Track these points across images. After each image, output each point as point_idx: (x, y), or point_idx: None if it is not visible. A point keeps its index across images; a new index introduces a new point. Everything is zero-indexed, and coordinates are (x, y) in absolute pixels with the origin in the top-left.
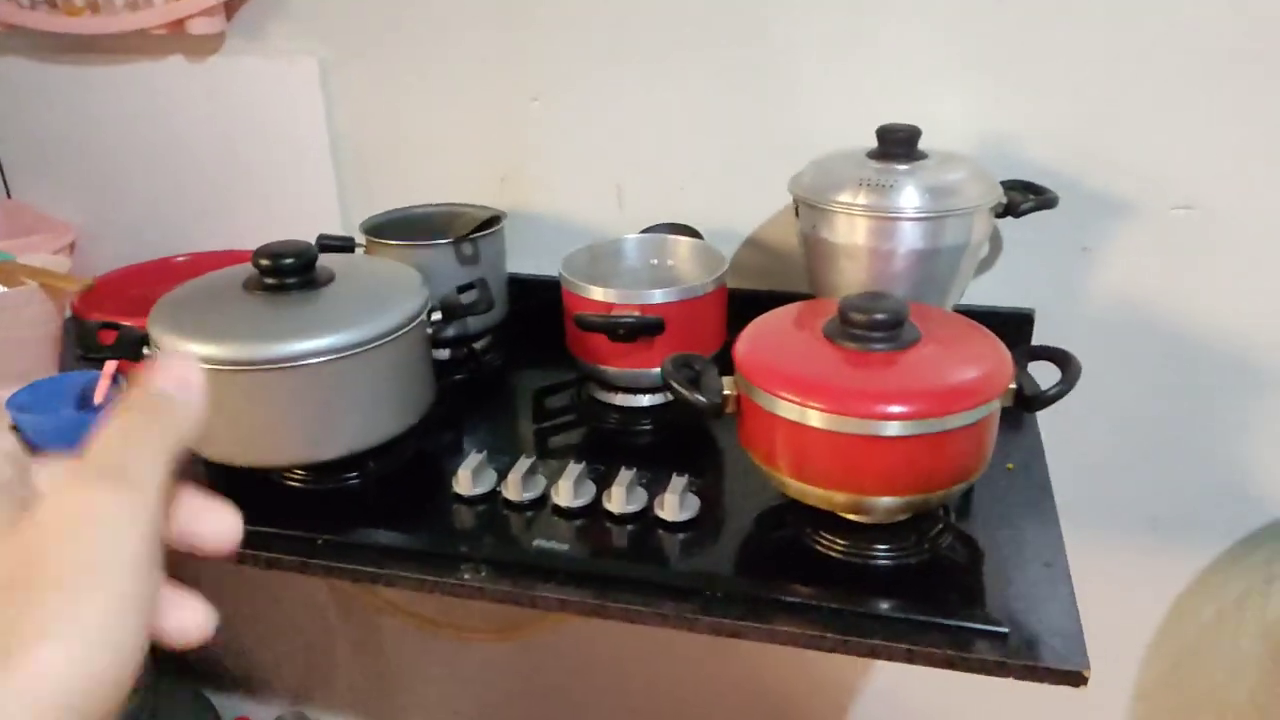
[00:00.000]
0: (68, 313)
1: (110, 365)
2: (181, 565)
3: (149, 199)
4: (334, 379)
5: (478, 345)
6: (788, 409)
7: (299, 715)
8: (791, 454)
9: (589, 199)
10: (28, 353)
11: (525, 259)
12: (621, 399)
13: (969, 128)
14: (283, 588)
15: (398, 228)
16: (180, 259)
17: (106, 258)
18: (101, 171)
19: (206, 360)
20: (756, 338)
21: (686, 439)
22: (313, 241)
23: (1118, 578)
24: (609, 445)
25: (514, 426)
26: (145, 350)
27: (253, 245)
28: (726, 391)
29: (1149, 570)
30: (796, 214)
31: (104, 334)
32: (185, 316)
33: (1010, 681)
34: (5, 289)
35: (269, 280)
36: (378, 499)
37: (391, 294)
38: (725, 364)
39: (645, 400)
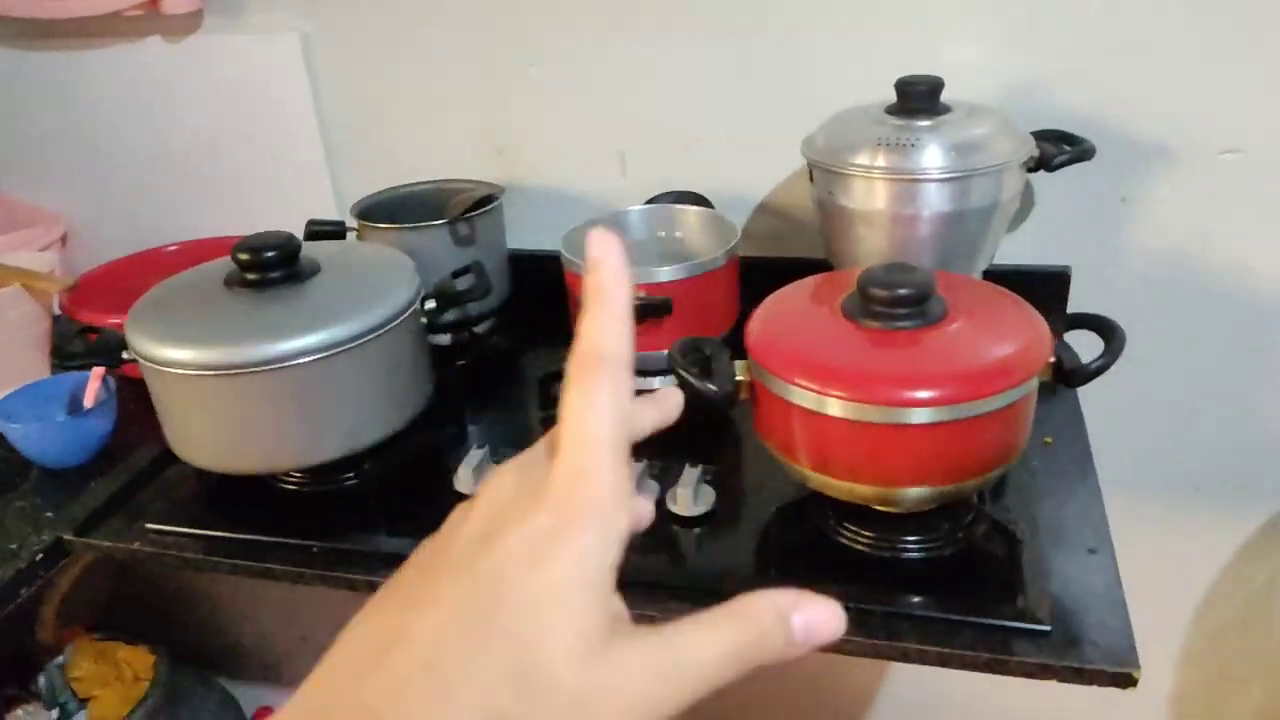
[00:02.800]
0: (57, 311)
1: (99, 367)
2: (215, 580)
3: (139, 187)
4: (324, 378)
5: (479, 329)
6: (804, 397)
7: None
8: (810, 445)
9: (592, 168)
10: (15, 356)
11: (528, 234)
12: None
13: (995, 76)
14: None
15: (391, 209)
16: (171, 249)
17: (100, 248)
18: (89, 161)
19: (190, 365)
20: (770, 318)
21: (702, 426)
22: (304, 227)
23: (1162, 546)
24: None
25: (520, 415)
26: (124, 354)
27: (246, 230)
28: (739, 378)
29: (1196, 537)
30: (811, 178)
31: (90, 337)
32: (165, 319)
33: None
34: None
35: (250, 275)
36: (376, 500)
37: (381, 284)
38: (739, 343)
39: (656, 383)
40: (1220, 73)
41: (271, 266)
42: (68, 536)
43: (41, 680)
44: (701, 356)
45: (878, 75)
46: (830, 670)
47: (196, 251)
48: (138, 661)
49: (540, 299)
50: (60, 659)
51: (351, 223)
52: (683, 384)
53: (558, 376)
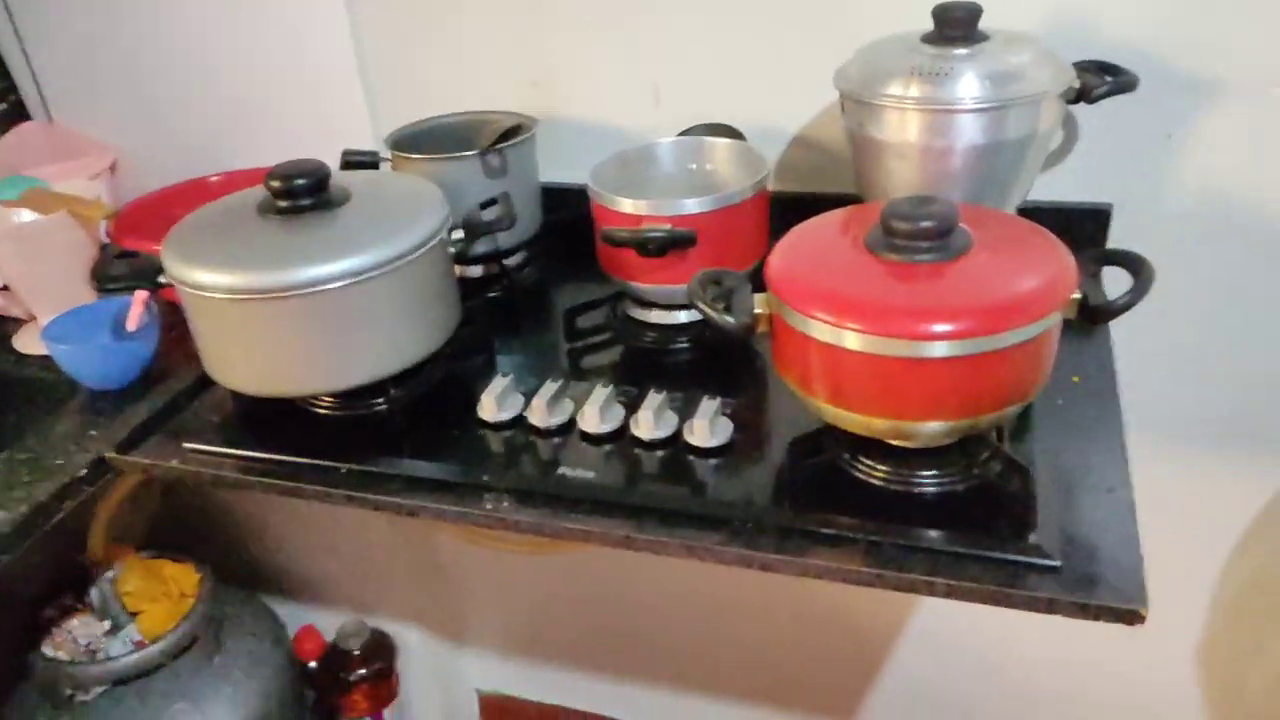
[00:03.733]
0: (104, 240)
1: (142, 292)
2: (260, 503)
3: (185, 117)
4: (353, 304)
5: (510, 261)
6: (822, 330)
7: (360, 623)
8: (827, 378)
9: (625, 101)
10: (63, 281)
11: (560, 168)
12: (656, 316)
13: (1037, 4)
14: None
15: (426, 139)
16: (214, 179)
17: (148, 177)
18: (139, 92)
19: (221, 289)
20: (791, 251)
21: (724, 359)
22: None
23: (1190, 493)
24: (644, 364)
25: (548, 346)
26: (161, 279)
27: (284, 159)
28: (758, 310)
29: (1224, 484)
30: (843, 110)
31: (129, 262)
32: (198, 244)
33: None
34: (37, 216)
35: (282, 203)
36: (404, 425)
37: (409, 213)
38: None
39: (682, 317)
40: (1271, 4)
41: (302, 194)
42: (109, 454)
43: (94, 594)
44: (723, 290)
45: (915, 5)
46: (847, 606)
47: (239, 181)
48: (184, 578)
49: (571, 232)
50: (111, 574)
51: (386, 153)
52: (702, 314)
53: (583, 308)
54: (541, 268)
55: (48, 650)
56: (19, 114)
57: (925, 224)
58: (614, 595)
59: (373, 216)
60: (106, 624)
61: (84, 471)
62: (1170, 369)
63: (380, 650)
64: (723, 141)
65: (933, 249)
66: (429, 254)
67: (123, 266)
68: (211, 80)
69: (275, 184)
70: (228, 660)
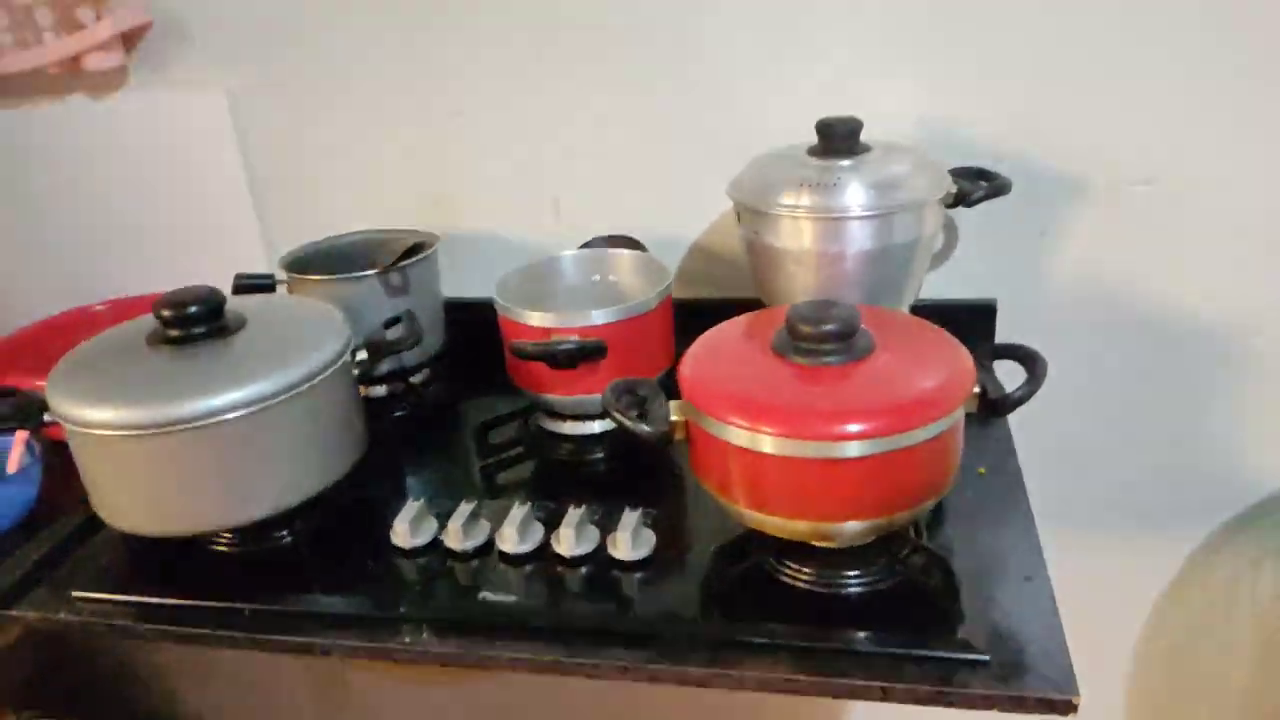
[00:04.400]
0: None
1: (23, 431)
2: (156, 648)
3: (66, 244)
4: (252, 434)
5: (415, 379)
6: (738, 435)
7: None
8: (746, 482)
9: (525, 214)
10: None
11: (464, 282)
12: (570, 427)
13: (911, 115)
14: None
15: (323, 260)
16: (99, 307)
17: (27, 309)
18: (14, 219)
19: (108, 425)
20: (701, 357)
21: (643, 467)
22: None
23: (1102, 573)
24: (561, 478)
25: (460, 465)
26: (45, 417)
27: (176, 286)
28: (674, 418)
29: (1133, 562)
30: (739, 219)
31: (9, 399)
32: (84, 379)
33: None
34: None
35: (173, 332)
36: (312, 558)
37: (309, 336)
38: (675, 384)
39: (596, 427)
40: (1129, 106)
41: (195, 322)
42: None
43: None
44: (637, 398)
45: (798, 119)
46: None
47: (125, 309)
48: None
49: (477, 347)
50: None
51: (281, 275)
52: (617, 425)
53: (495, 423)
54: (448, 384)
55: None
56: None
57: (829, 327)
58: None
59: (271, 342)
60: None
61: None
62: (1064, 456)
63: None
64: (625, 253)
65: (838, 351)
66: (332, 378)
67: (5, 405)
68: (93, 206)
69: (166, 313)
70: None
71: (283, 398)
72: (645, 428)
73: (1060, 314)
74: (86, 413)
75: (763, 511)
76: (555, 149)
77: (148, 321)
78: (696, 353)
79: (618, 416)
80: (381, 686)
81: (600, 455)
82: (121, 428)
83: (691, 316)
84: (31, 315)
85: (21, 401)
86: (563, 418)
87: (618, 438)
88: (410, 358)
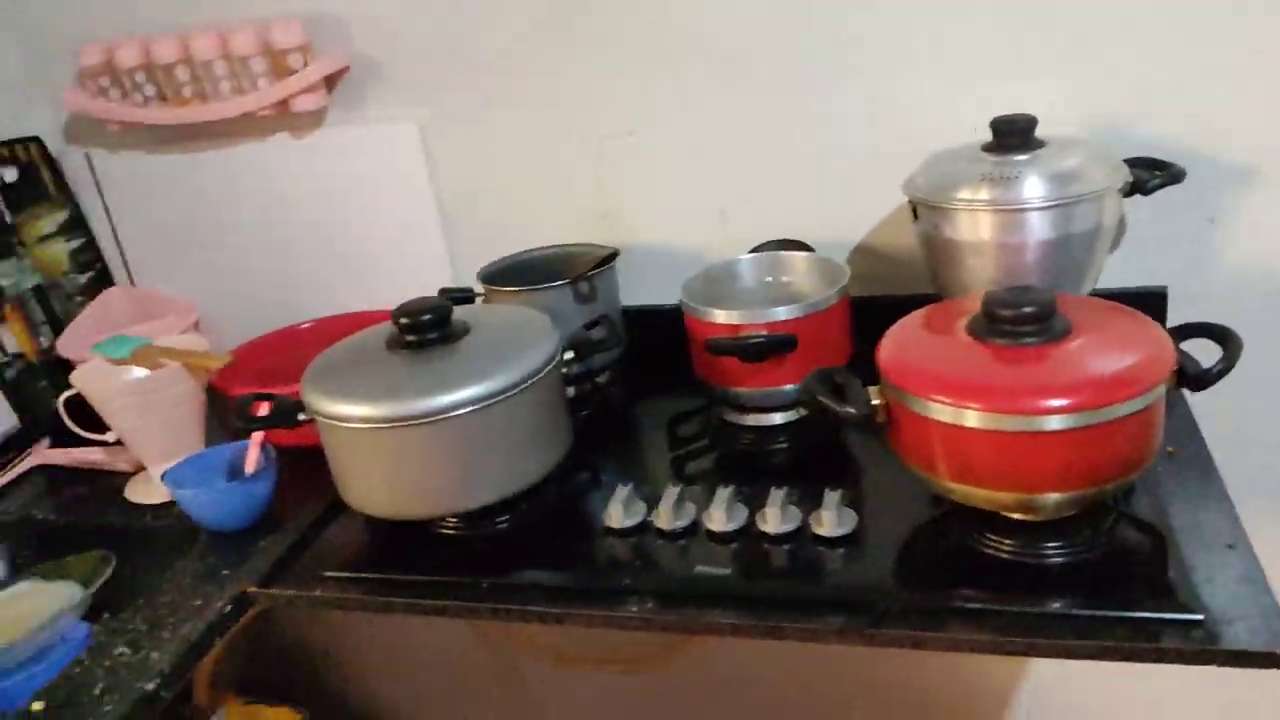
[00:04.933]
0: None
1: (258, 434)
2: (326, 617)
3: (266, 272)
4: (479, 428)
5: (600, 380)
6: (942, 411)
7: None
8: (951, 457)
9: (692, 225)
10: (173, 431)
11: (633, 291)
12: (753, 419)
13: (1080, 113)
14: (425, 629)
15: (512, 274)
16: (305, 325)
17: (229, 333)
18: (218, 251)
19: (359, 420)
20: (899, 343)
21: (825, 455)
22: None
23: None
24: (746, 467)
25: (646, 457)
26: (300, 417)
27: (369, 306)
28: (874, 401)
29: None
30: (915, 216)
31: (256, 405)
32: (336, 380)
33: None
34: (149, 372)
35: (409, 338)
36: (531, 540)
37: (526, 339)
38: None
39: (778, 419)
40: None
41: (428, 329)
42: (251, 588)
43: None
44: (835, 385)
45: (961, 120)
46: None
47: (330, 327)
48: None
49: (652, 351)
50: (217, 716)
51: (478, 288)
52: (823, 410)
53: (681, 418)
54: (627, 385)
55: None
56: (104, 280)
57: (1028, 309)
58: (700, 715)
59: (493, 345)
60: None
61: (229, 608)
62: (1244, 436)
63: None
64: (798, 255)
65: (1037, 332)
66: (546, 377)
67: (257, 409)
68: (290, 233)
69: (404, 320)
70: None
71: (506, 395)
72: (850, 410)
73: (1229, 300)
74: (340, 408)
75: (968, 484)
76: (720, 162)
77: (384, 330)
78: (892, 340)
79: (824, 400)
80: (550, 675)
81: (783, 445)
82: (369, 422)
83: (861, 315)
84: (241, 336)
85: (281, 404)
86: (745, 410)
87: (799, 428)
88: (600, 359)
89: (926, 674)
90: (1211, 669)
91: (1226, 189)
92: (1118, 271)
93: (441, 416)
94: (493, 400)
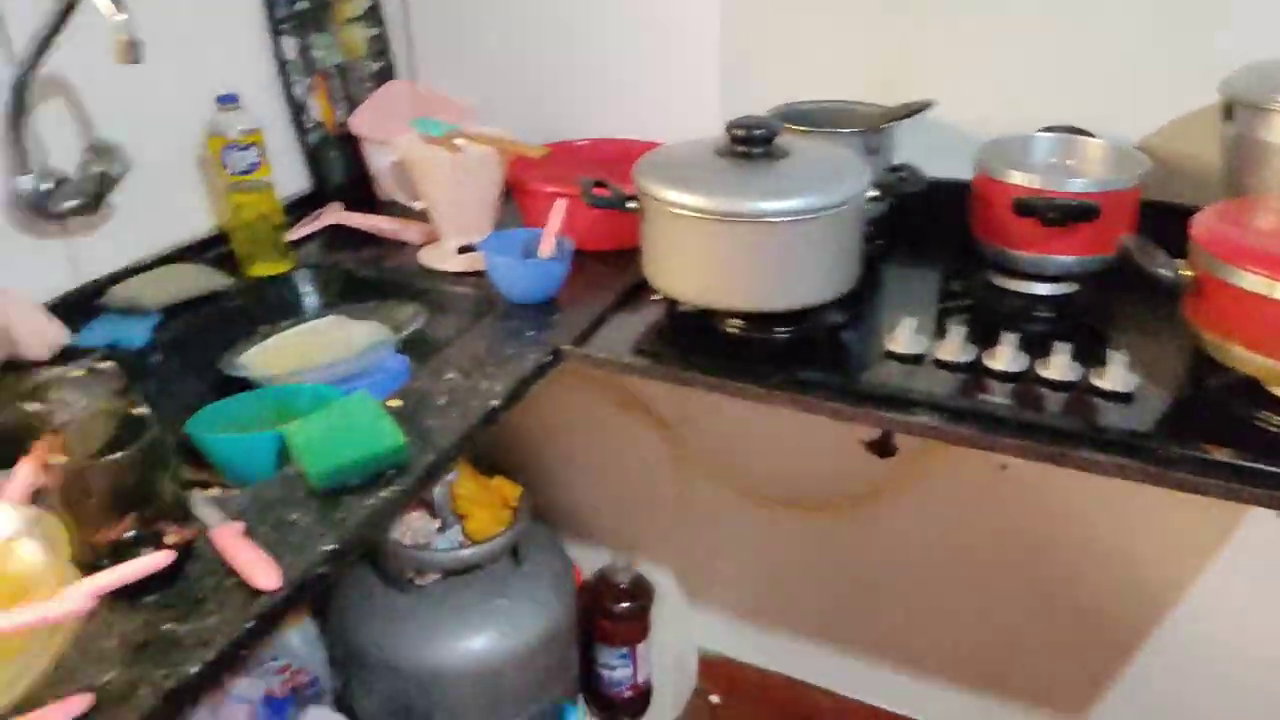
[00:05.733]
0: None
1: (554, 224)
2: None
3: (539, 87)
4: (796, 237)
5: (879, 241)
6: (1255, 283)
7: (629, 560)
8: (1257, 328)
9: (974, 102)
10: (477, 209)
11: (905, 157)
12: (1018, 285)
13: None
14: (631, 444)
15: (799, 120)
16: (581, 142)
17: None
18: (497, 56)
19: (689, 209)
20: (1217, 218)
21: (1085, 327)
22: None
23: None
24: (1014, 326)
25: (919, 306)
26: (630, 204)
27: (634, 134)
28: (1184, 272)
29: None
30: (1229, 117)
31: (597, 190)
32: (670, 173)
33: None
34: (476, 148)
35: (740, 148)
36: (811, 352)
37: (841, 169)
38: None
39: (1043, 289)
40: None
41: (758, 142)
42: (566, 346)
43: (436, 492)
44: (1146, 252)
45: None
46: (1100, 609)
47: (603, 148)
48: (507, 489)
49: (912, 212)
50: (450, 477)
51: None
52: (1139, 271)
53: (956, 273)
54: (891, 242)
55: (395, 535)
56: (388, 74)
57: None
58: (853, 566)
59: (810, 168)
60: (438, 523)
61: (549, 358)
62: None
63: (641, 589)
64: (1092, 140)
65: None
66: (853, 206)
67: (601, 191)
68: (570, 54)
69: (738, 131)
70: (530, 573)
71: (822, 213)
72: (1168, 273)
73: None
74: (671, 194)
75: (1265, 354)
76: (1011, 39)
77: (712, 139)
78: (1208, 215)
79: (1143, 262)
80: (723, 502)
81: (1045, 314)
82: (698, 212)
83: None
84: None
85: (612, 190)
86: (1015, 275)
87: (1064, 301)
88: (877, 208)
89: (1092, 574)
90: None
91: None
92: None
93: (766, 219)
94: (811, 215)
